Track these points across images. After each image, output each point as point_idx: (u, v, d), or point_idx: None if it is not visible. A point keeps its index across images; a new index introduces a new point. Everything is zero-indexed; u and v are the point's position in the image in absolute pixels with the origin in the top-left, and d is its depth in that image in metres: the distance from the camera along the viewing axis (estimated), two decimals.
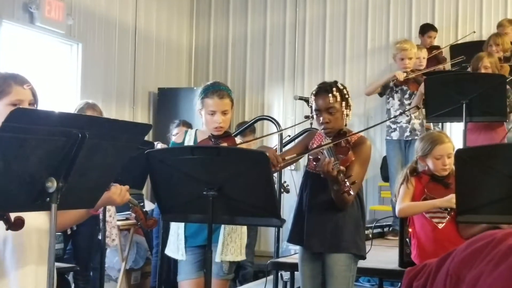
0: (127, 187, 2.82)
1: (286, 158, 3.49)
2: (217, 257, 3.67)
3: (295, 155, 3.54)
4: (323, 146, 3.43)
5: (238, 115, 8.60)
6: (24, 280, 2.53)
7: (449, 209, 3.82)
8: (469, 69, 5.93)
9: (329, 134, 3.54)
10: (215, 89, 3.81)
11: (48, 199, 2.15)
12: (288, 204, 6.54)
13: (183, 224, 3.79)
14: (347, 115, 3.55)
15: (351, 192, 3.21)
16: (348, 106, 3.55)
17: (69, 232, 5.03)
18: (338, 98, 3.51)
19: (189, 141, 3.89)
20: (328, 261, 3.53)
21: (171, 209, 3.13)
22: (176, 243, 3.83)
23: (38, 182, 2.12)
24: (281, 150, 5.19)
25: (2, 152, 2.00)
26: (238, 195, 2.91)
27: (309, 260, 3.65)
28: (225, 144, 3.68)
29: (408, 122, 5.94)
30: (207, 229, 2.96)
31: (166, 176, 3.02)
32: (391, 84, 6.02)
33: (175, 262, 3.98)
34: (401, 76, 5.91)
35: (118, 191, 2.74)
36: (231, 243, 3.76)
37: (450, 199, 3.74)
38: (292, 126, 5.12)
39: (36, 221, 2.53)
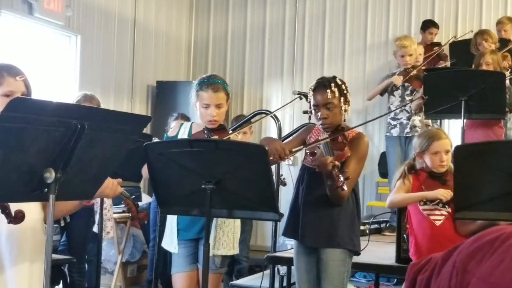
0: (119, 180, 2.82)
1: (293, 150, 3.48)
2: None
3: (302, 146, 3.53)
4: (320, 141, 3.43)
5: (236, 109, 8.61)
6: (20, 277, 2.53)
7: (446, 206, 3.82)
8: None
9: (327, 130, 3.53)
10: (210, 82, 3.78)
11: (46, 189, 2.14)
12: (286, 199, 6.52)
13: (175, 217, 3.78)
14: (345, 110, 3.55)
15: (345, 188, 3.21)
16: (346, 101, 3.54)
17: (62, 224, 5.02)
18: (337, 94, 3.50)
19: (183, 134, 3.89)
20: (323, 256, 3.54)
21: (169, 202, 3.13)
22: (171, 236, 3.83)
23: (37, 172, 2.11)
24: None
25: (1, 142, 1.99)
26: (236, 189, 2.91)
27: (304, 254, 3.66)
28: (216, 137, 3.67)
29: (409, 118, 5.94)
30: (205, 223, 2.95)
31: (164, 169, 3.01)
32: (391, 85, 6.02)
33: (171, 255, 3.99)
34: (398, 81, 5.93)
35: (110, 185, 2.74)
36: (223, 237, 3.76)
37: (437, 192, 3.77)
38: (282, 107, 5.07)
39: (31, 217, 2.52)
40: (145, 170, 3.80)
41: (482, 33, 6.56)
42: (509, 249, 1.22)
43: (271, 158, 3.36)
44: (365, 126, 7.98)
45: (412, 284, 1.48)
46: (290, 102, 4.57)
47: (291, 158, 3.57)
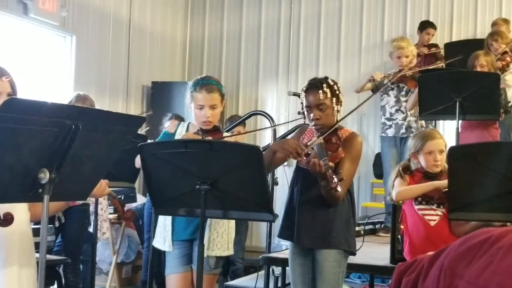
0: (106, 181, 2.82)
1: (308, 144, 3.45)
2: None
3: (315, 137, 3.49)
4: (313, 142, 3.42)
5: (231, 110, 8.61)
6: (9, 280, 2.52)
7: (441, 206, 3.82)
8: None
9: (320, 131, 3.52)
10: (205, 83, 3.78)
11: (40, 190, 2.14)
12: (280, 199, 6.53)
13: (170, 216, 3.78)
14: (338, 111, 3.53)
15: (338, 189, 3.19)
16: (339, 102, 3.53)
17: (57, 224, 5.01)
18: (329, 95, 3.48)
19: (180, 133, 3.88)
20: (318, 257, 3.53)
21: (163, 202, 3.12)
22: (163, 234, 3.82)
23: (31, 173, 2.11)
24: None
25: None
26: (231, 189, 2.91)
27: (299, 256, 3.65)
28: (210, 138, 3.67)
29: (404, 119, 5.95)
30: (200, 224, 2.95)
31: (159, 169, 3.01)
32: (386, 81, 6.02)
33: (165, 256, 3.99)
34: (378, 76, 5.95)
35: (98, 185, 2.74)
36: (217, 238, 3.75)
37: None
38: (286, 123, 5.08)
39: (17, 218, 2.52)
40: (138, 160, 3.79)
41: (492, 34, 6.59)
42: (498, 251, 1.22)
43: (288, 158, 3.36)
44: (360, 127, 8.01)
45: (397, 285, 1.47)
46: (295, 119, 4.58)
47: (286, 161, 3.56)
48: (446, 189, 3.69)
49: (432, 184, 3.84)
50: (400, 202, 4.01)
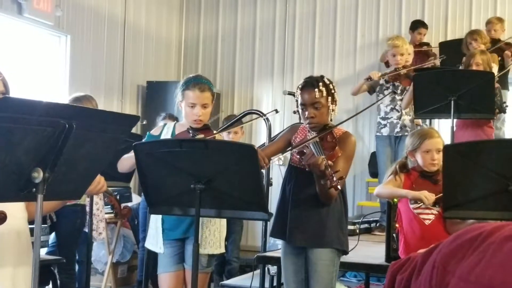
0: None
1: (272, 158, 3.49)
2: None
3: (280, 153, 3.53)
4: (309, 140, 3.41)
5: (227, 109, 8.61)
6: (3, 279, 2.51)
7: (437, 205, 3.83)
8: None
9: (314, 129, 3.52)
10: (197, 82, 3.80)
11: (34, 189, 2.13)
12: (275, 199, 6.53)
13: (160, 216, 3.78)
14: (332, 110, 3.54)
15: (339, 187, 3.19)
16: (334, 101, 3.53)
17: (49, 223, 4.98)
18: (324, 93, 3.49)
19: (166, 134, 3.88)
20: (311, 256, 3.53)
21: (158, 202, 3.12)
22: (155, 236, 3.83)
23: (25, 172, 2.10)
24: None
25: None
26: (226, 189, 2.91)
27: (292, 255, 3.65)
28: (202, 136, 3.68)
29: (399, 118, 5.95)
30: (191, 222, 2.94)
31: (154, 169, 3.01)
32: (381, 81, 6.03)
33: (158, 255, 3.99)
34: (375, 75, 5.95)
35: (96, 182, 2.73)
36: (209, 236, 3.76)
37: (421, 192, 3.77)
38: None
39: (14, 216, 2.51)
40: (120, 164, 3.76)
41: (472, 33, 6.63)
42: (489, 247, 1.22)
43: None
44: (355, 126, 8.01)
45: (391, 284, 1.47)
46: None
47: (282, 158, 3.56)
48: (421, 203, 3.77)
49: (408, 192, 3.86)
50: (396, 200, 4.03)
